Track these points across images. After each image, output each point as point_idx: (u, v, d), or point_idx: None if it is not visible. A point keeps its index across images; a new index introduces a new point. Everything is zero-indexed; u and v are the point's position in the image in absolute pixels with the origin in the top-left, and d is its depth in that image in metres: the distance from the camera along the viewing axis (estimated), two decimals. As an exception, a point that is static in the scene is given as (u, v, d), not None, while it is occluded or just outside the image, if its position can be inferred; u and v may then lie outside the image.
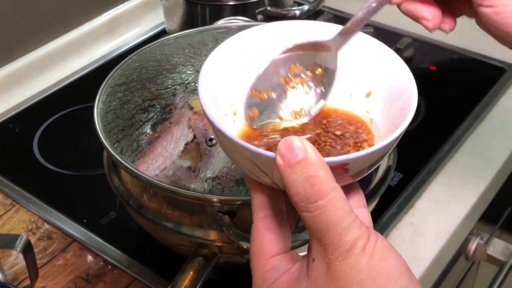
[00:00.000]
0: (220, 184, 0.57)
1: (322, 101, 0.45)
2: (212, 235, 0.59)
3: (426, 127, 0.88)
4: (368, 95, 0.45)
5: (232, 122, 0.45)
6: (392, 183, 0.78)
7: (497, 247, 0.93)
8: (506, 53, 1.00)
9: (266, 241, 0.39)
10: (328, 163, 0.35)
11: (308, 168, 0.34)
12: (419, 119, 0.89)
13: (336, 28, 0.46)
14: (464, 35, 1.07)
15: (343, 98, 0.46)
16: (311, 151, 0.35)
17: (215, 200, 0.56)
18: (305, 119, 0.45)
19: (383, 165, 0.66)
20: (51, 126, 0.90)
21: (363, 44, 0.46)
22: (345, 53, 0.46)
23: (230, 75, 0.45)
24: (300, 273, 0.37)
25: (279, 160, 0.35)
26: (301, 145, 0.35)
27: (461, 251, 0.88)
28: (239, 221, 0.57)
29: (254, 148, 0.36)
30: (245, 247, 0.55)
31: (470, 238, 0.88)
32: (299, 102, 0.45)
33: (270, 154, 0.36)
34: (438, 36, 1.05)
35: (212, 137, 0.60)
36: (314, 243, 0.36)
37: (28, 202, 0.77)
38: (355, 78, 0.46)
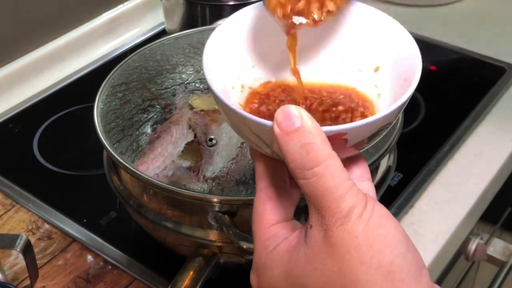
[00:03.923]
0: (220, 184, 0.57)
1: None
2: (212, 235, 0.59)
3: (426, 127, 0.88)
4: (376, 69, 0.45)
5: (239, 94, 0.45)
6: (392, 183, 0.78)
7: (497, 247, 0.93)
8: (506, 53, 1.01)
9: (267, 210, 0.40)
10: (325, 132, 0.35)
11: (304, 135, 0.35)
12: (419, 119, 0.89)
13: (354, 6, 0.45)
14: (464, 35, 1.07)
15: (353, 73, 0.46)
16: (308, 119, 0.35)
17: (215, 200, 0.56)
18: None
19: (383, 165, 0.66)
20: (51, 126, 0.90)
21: (370, 18, 0.45)
22: (353, 28, 0.45)
23: (237, 49, 0.45)
24: (299, 240, 0.38)
25: (276, 129, 0.35)
26: (298, 114, 0.35)
27: (461, 251, 0.88)
28: (239, 221, 0.57)
29: (252, 117, 0.37)
30: (245, 247, 0.55)
31: (470, 238, 0.88)
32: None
33: (268, 122, 0.36)
34: (438, 36, 1.06)
35: (212, 137, 0.60)
36: (312, 210, 0.36)
37: (28, 202, 0.77)
38: (364, 53, 0.46)
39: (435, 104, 0.91)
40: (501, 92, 0.93)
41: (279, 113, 0.35)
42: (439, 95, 0.94)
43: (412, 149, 0.82)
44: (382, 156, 0.62)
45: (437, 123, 0.89)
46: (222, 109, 0.40)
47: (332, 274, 0.35)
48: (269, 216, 0.40)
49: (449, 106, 0.92)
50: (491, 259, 0.93)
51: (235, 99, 0.44)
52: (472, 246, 0.89)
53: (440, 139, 0.85)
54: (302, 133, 0.35)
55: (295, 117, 0.35)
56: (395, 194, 0.77)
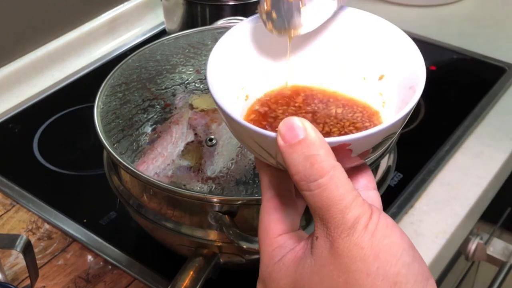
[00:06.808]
0: (220, 184, 0.57)
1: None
2: (212, 235, 0.59)
3: (426, 127, 0.88)
4: (381, 77, 0.45)
5: (243, 105, 0.45)
6: (392, 183, 0.78)
7: (497, 247, 0.93)
8: (506, 53, 1.01)
9: (273, 220, 0.40)
10: (329, 143, 0.35)
11: (308, 147, 0.35)
12: (419, 119, 0.89)
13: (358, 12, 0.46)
14: (464, 35, 1.07)
15: (357, 82, 0.46)
16: (311, 131, 0.35)
17: (215, 200, 0.56)
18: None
19: (383, 165, 0.66)
20: (51, 126, 0.90)
21: (374, 26, 0.45)
22: (356, 36, 0.46)
23: (241, 59, 0.45)
24: (305, 251, 0.38)
25: (280, 141, 0.35)
26: (302, 125, 0.35)
27: (461, 251, 0.88)
28: (239, 221, 0.57)
29: (256, 128, 0.37)
30: (245, 247, 0.55)
31: (470, 238, 0.88)
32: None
33: (272, 134, 0.36)
34: (438, 36, 1.06)
35: (212, 137, 0.60)
36: (317, 222, 0.36)
37: (28, 202, 0.77)
38: (368, 62, 0.46)
39: (435, 104, 0.91)
40: (501, 92, 0.93)
41: (282, 125, 0.35)
42: (439, 95, 0.94)
43: (412, 149, 0.82)
44: (382, 156, 0.62)
45: (437, 123, 0.89)
46: (226, 120, 0.40)
47: (338, 285, 0.35)
48: (275, 226, 0.40)
49: (449, 106, 0.92)
50: (491, 259, 0.93)
51: (239, 109, 0.44)
52: (472, 246, 0.89)
53: (440, 139, 0.85)
54: (306, 145, 0.35)
55: (299, 129, 0.35)
56: (395, 194, 0.77)
